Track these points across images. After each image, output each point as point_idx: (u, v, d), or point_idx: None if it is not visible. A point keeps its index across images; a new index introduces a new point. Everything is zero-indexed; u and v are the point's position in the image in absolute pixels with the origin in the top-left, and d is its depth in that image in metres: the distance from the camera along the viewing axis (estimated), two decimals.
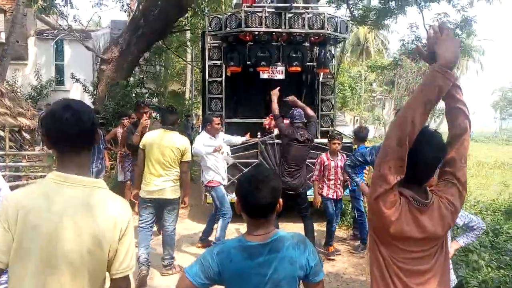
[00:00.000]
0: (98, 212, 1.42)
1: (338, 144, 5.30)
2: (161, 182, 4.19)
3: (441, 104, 1.73)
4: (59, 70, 17.70)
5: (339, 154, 5.43)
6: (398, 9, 13.30)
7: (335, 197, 5.35)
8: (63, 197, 1.39)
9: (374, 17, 13.01)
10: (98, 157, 6.83)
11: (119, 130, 7.19)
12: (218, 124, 5.21)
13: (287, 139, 4.87)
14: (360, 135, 5.74)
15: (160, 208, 4.38)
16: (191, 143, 4.91)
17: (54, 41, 16.58)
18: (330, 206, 5.30)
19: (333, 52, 7.46)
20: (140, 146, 4.32)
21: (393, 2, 13.23)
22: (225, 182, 5.30)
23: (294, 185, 4.86)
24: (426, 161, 1.52)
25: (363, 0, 13.25)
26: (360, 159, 5.67)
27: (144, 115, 5.60)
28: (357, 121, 32.83)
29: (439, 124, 46.38)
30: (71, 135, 1.42)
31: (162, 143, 4.19)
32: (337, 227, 5.83)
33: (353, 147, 6.68)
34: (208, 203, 6.35)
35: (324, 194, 5.32)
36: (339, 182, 5.37)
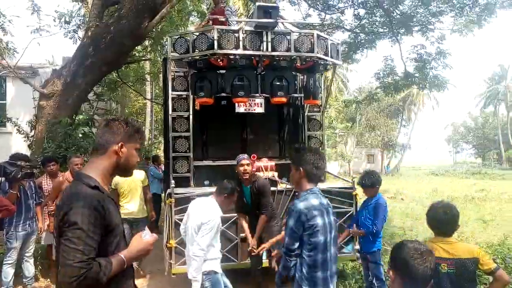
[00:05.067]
0: None
1: None
2: (132, 206, 5.76)
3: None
4: (0, 111, 15.84)
5: None
6: (368, 43, 12.98)
7: None
8: None
9: (345, 51, 12.54)
10: (26, 216, 5.21)
11: (44, 180, 5.71)
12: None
13: None
14: (372, 180, 4.43)
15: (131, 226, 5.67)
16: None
17: None
18: None
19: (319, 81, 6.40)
20: (112, 186, 5.51)
21: (364, 35, 12.90)
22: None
23: None
24: None
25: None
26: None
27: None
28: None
29: (399, 161, 47.20)
30: None
31: (130, 179, 5.49)
32: None
33: (354, 193, 5.50)
34: (173, 274, 4.86)
35: None
36: None
